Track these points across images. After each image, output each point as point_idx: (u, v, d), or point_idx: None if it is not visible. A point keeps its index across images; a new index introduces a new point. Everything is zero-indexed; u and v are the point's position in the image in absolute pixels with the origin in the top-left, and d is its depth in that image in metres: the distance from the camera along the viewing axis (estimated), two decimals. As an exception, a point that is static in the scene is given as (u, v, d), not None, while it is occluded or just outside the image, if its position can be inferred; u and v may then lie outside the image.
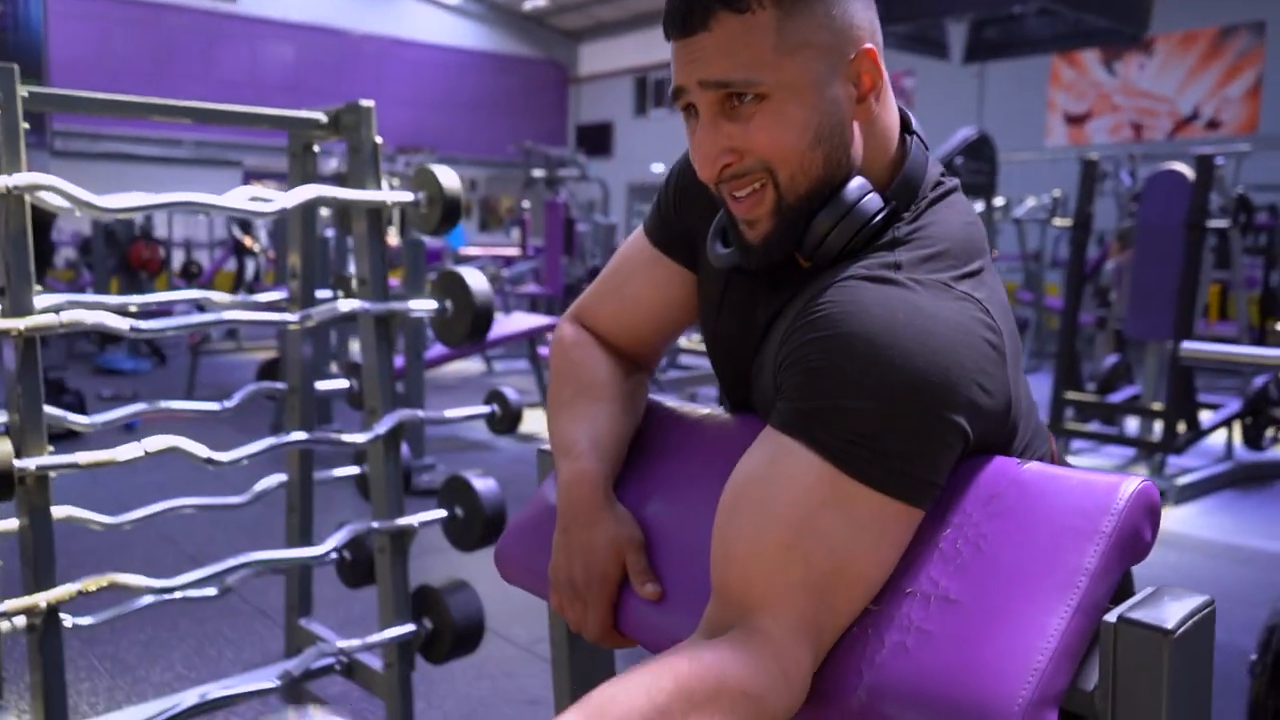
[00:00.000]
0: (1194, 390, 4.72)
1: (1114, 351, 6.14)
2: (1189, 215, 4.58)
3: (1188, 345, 2.25)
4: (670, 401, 1.12)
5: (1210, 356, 2.32)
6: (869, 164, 0.88)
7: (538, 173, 10.40)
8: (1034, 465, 0.80)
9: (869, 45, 0.85)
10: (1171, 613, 0.67)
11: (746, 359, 0.97)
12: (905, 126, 0.92)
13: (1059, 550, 0.72)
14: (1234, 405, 5.10)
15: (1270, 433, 5.12)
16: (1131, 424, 5.45)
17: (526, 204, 12.05)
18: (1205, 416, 5.06)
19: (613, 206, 11.27)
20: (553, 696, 1.16)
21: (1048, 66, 13.50)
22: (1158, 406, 4.83)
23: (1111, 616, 0.69)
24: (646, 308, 1.09)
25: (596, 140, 20.75)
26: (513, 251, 11.87)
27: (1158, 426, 4.98)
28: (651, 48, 20.17)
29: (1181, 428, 4.70)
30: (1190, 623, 0.67)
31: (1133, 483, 0.74)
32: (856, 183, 0.86)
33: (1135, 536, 0.73)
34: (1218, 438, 5.39)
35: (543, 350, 6.15)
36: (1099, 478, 0.76)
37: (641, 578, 0.93)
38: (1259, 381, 4.84)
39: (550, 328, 6.11)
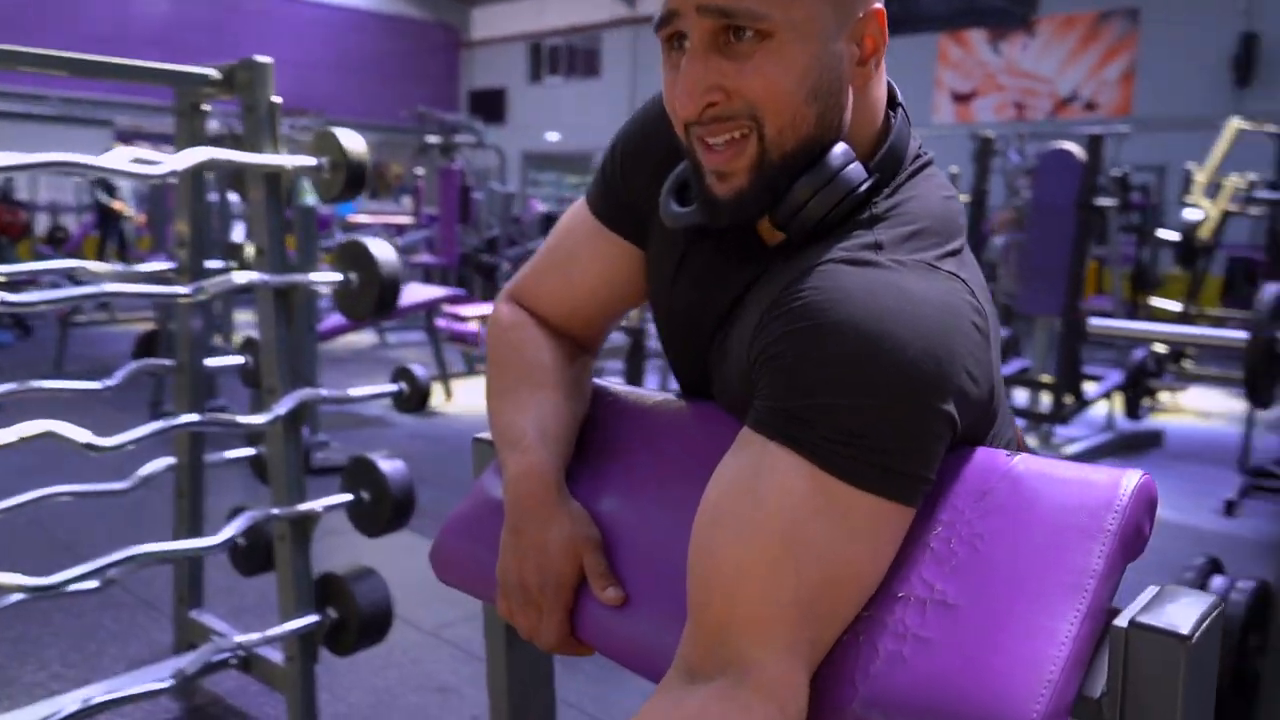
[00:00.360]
0: (1080, 363, 4.88)
1: (1001, 326, 6.32)
2: (1080, 194, 4.71)
3: (1097, 322, 2.29)
4: (617, 386, 1.04)
5: (1117, 333, 2.37)
6: (854, 133, 0.81)
7: (432, 139, 10.10)
8: (1023, 458, 0.75)
9: (878, 5, 0.79)
10: (1185, 616, 0.64)
11: (704, 341, 0.90)
12: (891, 99, 0.86)
13: (1062, 550, 0.68)
14: (1115, 377, 5.31)
15: (1147, 403, 5.34)
16: (1019, 395, 5.62)
17: (420, 171, 11.72)
18: (1088, 388, 5.25)
19: (508, 175, 11.04)
20: (466, 687, 1.09)
21: (935, 45, 13.79)
22: (1047, 379, 4.98)
23: (1123, 621, 0.65)
24: (591, 286, 1.00)
25: (490, 107, 20.34)
26: (405, 220, 11.55)
27: (1045, 398, 5.14)
28: (546, 13, 19.85)
29: (1068, 399, 4.87)
30: (1204, 626, 0.64)
31: (1133, 476, 0.70)
32: (840, 149, 0.78)
33: (1137, 533, 0.69)
34: (1099, 408, 5.61)
35: (440, 322, 5.98)
36: (1097, 472, 0.72)
37: (601, 581, 0.86)
38: (1138, 354, 5.04)
39: (450, 299, 5.93)
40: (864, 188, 0.79)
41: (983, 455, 0.76)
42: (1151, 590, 0.68)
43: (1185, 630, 0.62)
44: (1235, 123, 6.06)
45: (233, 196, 6.01)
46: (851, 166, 0.78)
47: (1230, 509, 4.17)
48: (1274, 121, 6.86)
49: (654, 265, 0.96)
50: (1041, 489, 0.72)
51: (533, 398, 0.96)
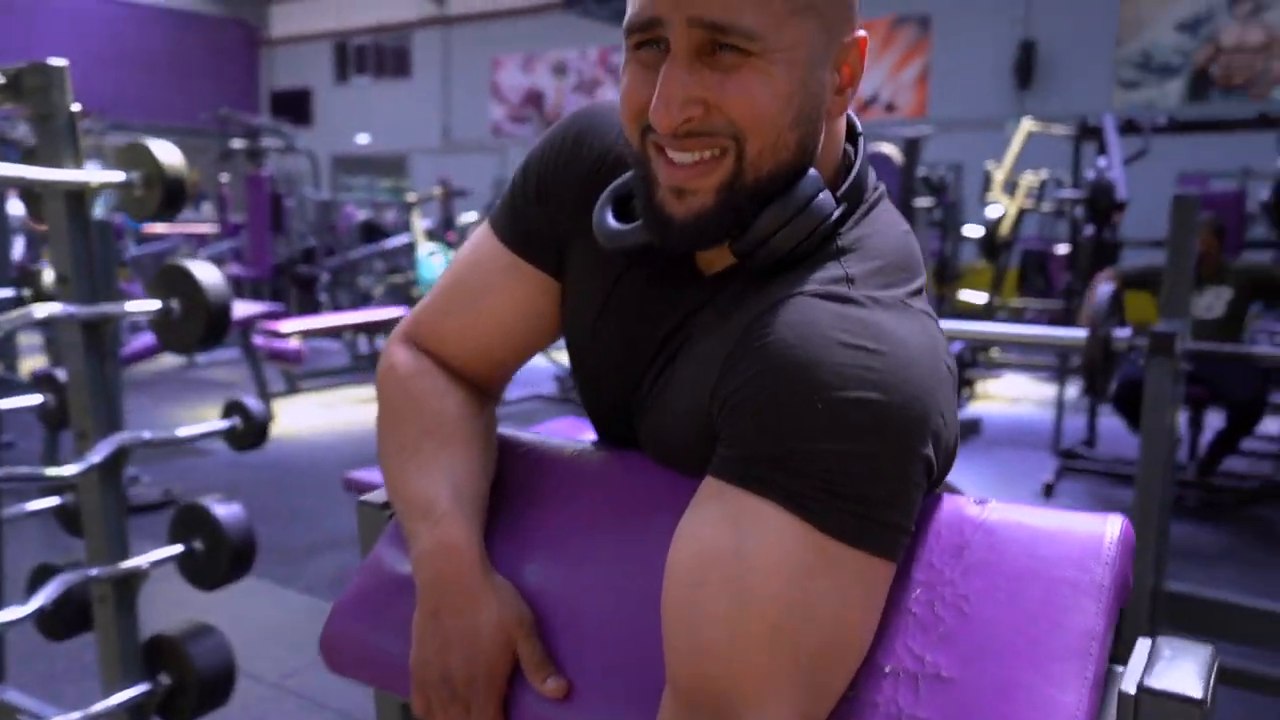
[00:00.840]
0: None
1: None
2: (900, 194, 4.90)
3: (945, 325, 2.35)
4: (527, 435, 0.94)
5: (963, 334, 2.44)
6: (821, 162, 0.75)
7: (237, 143, 9.50)
8: (994, 505, 0.71)
9: (862, 34, 0.74)
10: (1193, 676, 0.60)
11: (630, 382, 0.82)
12: (851, 129, 0.81)
13: (1059, 611, 0.63)
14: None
15: (966, 393, 5.63)
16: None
17: (225, 177, 11.03)
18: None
19: (318, 180, 10.54)
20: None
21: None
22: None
23: (1130, 686, 0.61)
24: (505, 325, 0.89)
25: (294, 108, 19.43)
26: (207, 229, 10.83)
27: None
28: (350, 10, 19.14)
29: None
30: (1211, 683, 0.60)
31: (1115, 522, 0.67)
32: (812, 176, 0.73)
33: (1125, 583, 0.66)
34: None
35: (258, 339, 5.61)
36: (1074, 519, 0.68)
37: (540, 671, 0.75)
38: (955, 346, 5.30)
39: (269, 314, 5.57)
40: (833, 218, 0.73)
41: (950, 505, 0.71)
42: (1145, 644, 0.65)
43: (1199, 695, 0.59)
44: (1027, 124, 6.47)
45: (12, 209, 5.41)
46: (823, 196, 0.73)
47: (1048, 491, 4.43)
48: (1056, 121, 7.39)
49: (574, 297, 0.87)
50: (1022, 540, 0.67)
51: (440, 456, 0.84)
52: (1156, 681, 0.60)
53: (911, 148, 4.87)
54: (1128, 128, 5.06)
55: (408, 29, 18.41)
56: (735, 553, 0.63)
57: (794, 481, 0.63)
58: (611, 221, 0.79)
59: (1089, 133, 5.15)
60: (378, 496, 0.97)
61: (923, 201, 5.21)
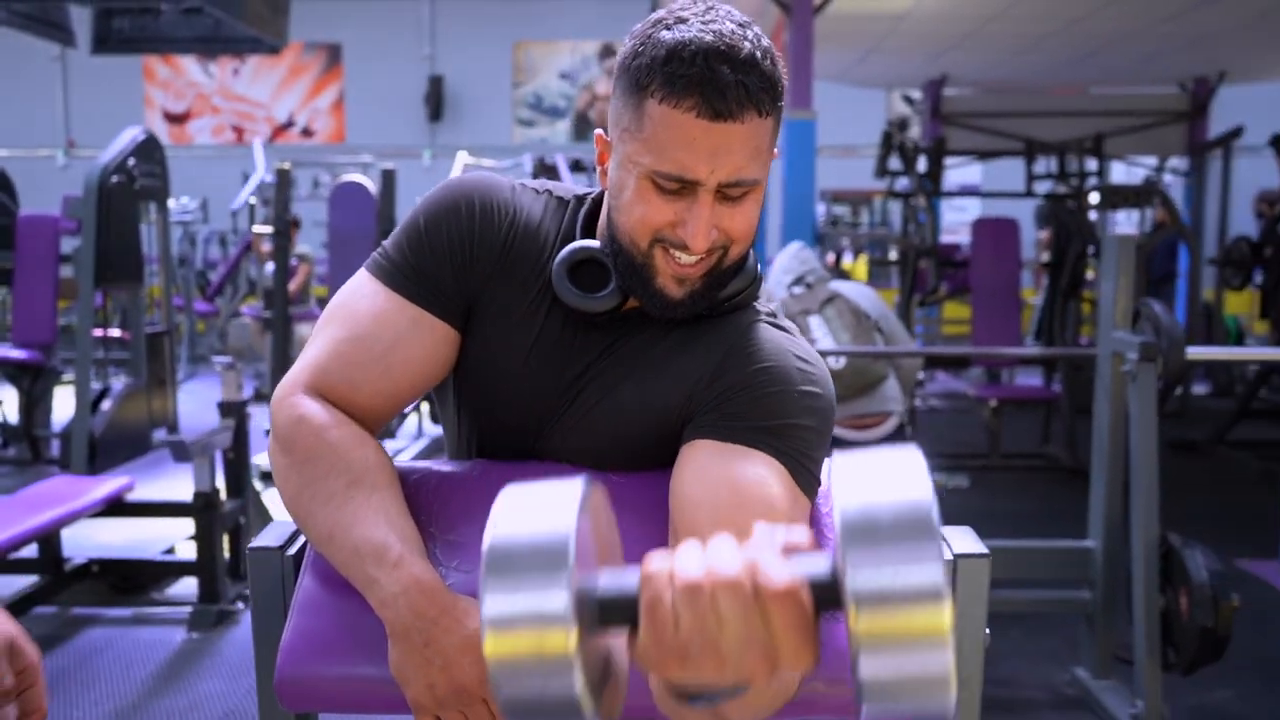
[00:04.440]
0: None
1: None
2: (379, 223, 5.12)
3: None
4: (416, 463, 1.05)
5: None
6: None
7: None
8: (837, 454, 1.04)
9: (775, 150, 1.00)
10: (973, 541, 0.99)
11: (554, 397, 1.02)
12: None
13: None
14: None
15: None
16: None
17: None
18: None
19: None
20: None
21: (140, 63, 13.07)
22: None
23: (947, 555, 0.97)
24: (414, 375, 1.01)
25: None
26: None
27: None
28: None
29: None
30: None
31: (913, 451, 1.04)
32: (751, 254, 1.02)
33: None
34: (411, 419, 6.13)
35: None
36: (886, 453, 1.04)
37: None
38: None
39: None
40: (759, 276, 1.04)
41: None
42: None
43: (986, 550, 0.98)
44: (463, 156, 7.03)
45: None
46: (756, 264, 1.03)
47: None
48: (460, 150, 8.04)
49: (500, 338, 1.03)
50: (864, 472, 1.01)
51: (372, 501, 0.94)
52: (960, 549, 0.98)
53: (388, 179, 5.11)
54: (575, 166, 5.89)
55: None
56: (760, 483, 0.91)
57: (780, 443, 0.93)
58: (575, 291, 1.00)
59: (546, 170, 5.88)
60: (270, 540, 1.00)
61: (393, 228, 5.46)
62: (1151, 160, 8.43)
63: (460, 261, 1.02)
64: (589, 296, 0.99)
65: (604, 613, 0.59)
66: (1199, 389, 7.82)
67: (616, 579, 0.60)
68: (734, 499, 0.90)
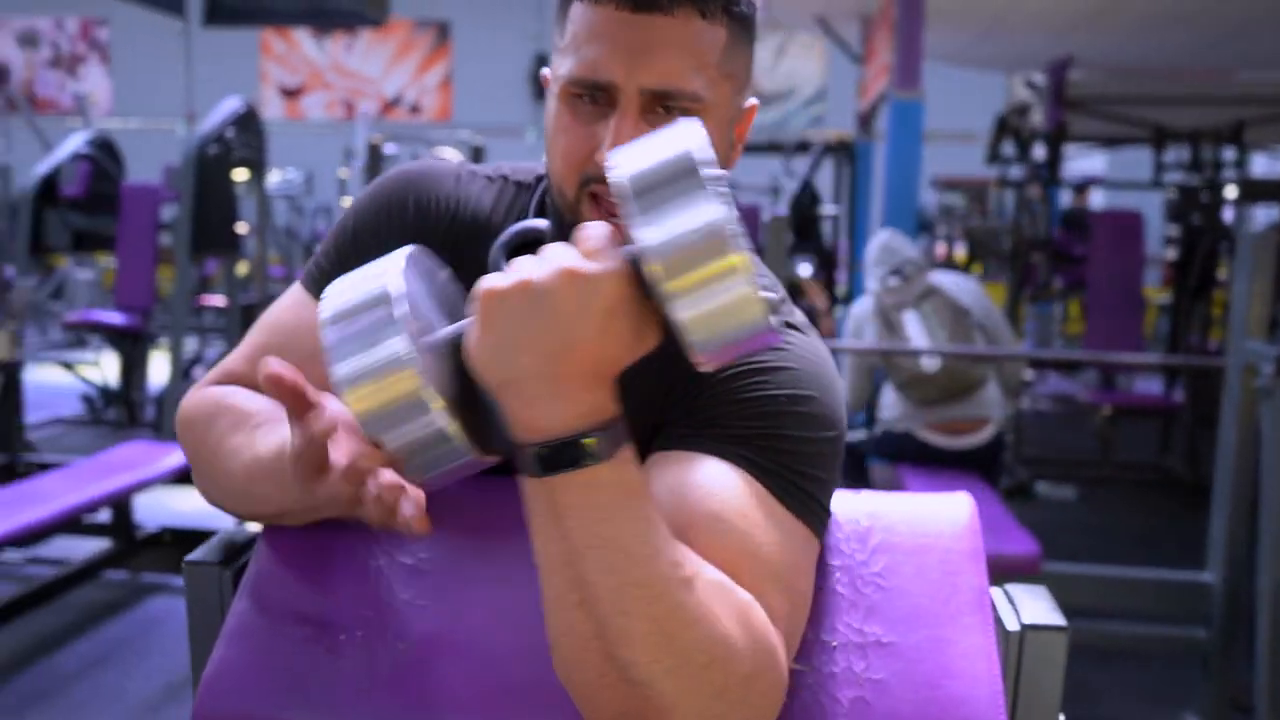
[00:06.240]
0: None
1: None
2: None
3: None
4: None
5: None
6: None
7: None
8: (866, 493, 0.85)
9: (754, 101, 0.83)
10: (1053, 610, 0.79)
11: None
12: None
13: (954, 575, 0.78)
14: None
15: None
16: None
17: None
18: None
19: None
20: None
21: (258, 38, 13.40)
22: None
23: (1015, 626, 0.78)
24: None
25: None
26: None
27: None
28: None
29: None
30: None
31: (964, 500, 0.84)
32: None
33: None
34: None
35: None
36: (934, 501, 0.84)
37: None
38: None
39: None
40: None
41: (839, 497, 0.84)
42: (998, 592, 0.82)
43: (1064, 622, 0.77)
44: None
45: None
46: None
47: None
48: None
49: None
50: (908, 522, 0.82)
51: (269, 430, 0.78)
52: (1030, 619, 0.78)
53: (476, 155, 5.03)
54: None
55: None
56: (706, 493, 0.72)
57: (758, 456, 0.74)
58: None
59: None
60: (208, 554, 0.87)
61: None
62: (1297, 152, 7.79)
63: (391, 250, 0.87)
64: None
65: (456, 348, 0.65)
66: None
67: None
68: (675, 509, 0.70)
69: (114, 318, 5.48)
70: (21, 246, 5.30)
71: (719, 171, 0.62)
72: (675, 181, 0.60)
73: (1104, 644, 2.52)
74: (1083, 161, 9.55)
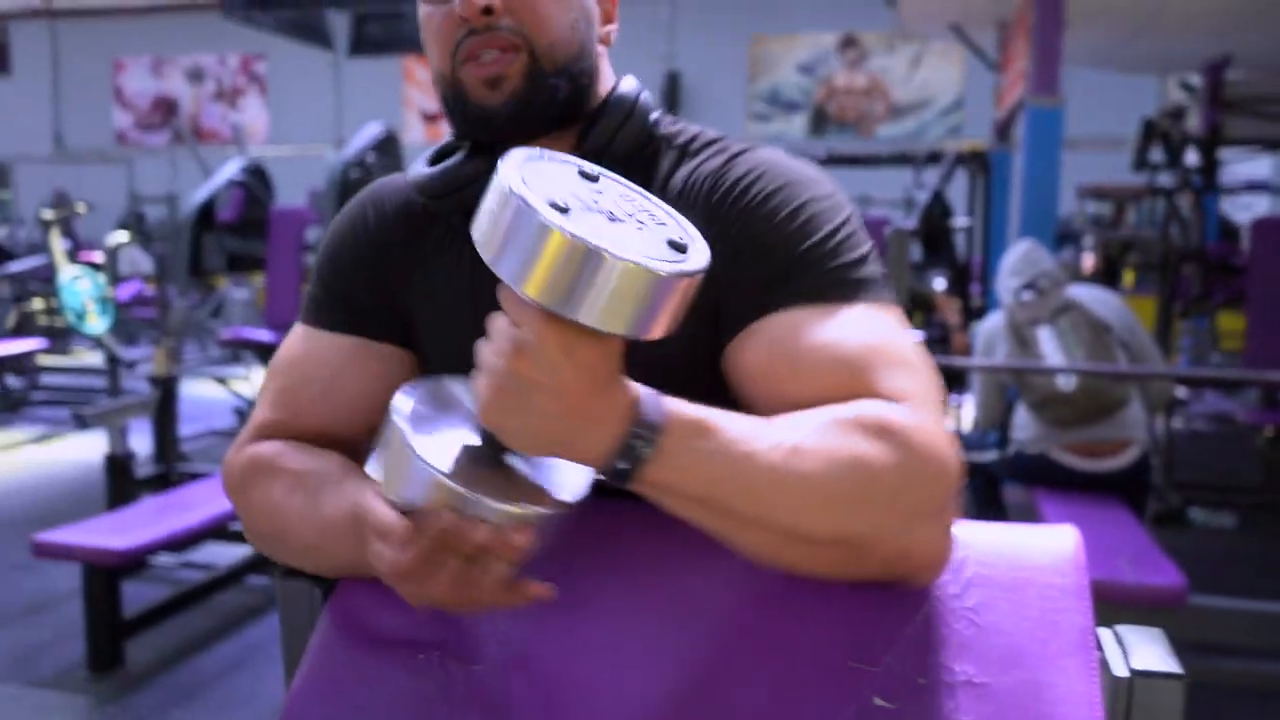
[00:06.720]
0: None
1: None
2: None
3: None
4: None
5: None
6: (601, 86, 0.89)
7: None
8: (964, 524, 0.80)
9: None
10: (1167, 655, 0.72)
11: None
12: None
13: (1054, 613, 0.73)
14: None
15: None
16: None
17: None
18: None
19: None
20: None
21: (400, 65, 13.95)
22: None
23: (1121, 670, 0.72)
24: (364, 400, 0.89)
25: None
26: None
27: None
28: (-73, -5, 16.43)
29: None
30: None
31: (1070, 532, 0.78)
32: (630, 81, 0.88)
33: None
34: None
35: None
36: (1036, 533, 0.79)
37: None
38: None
39: None
40: (656, 115, 0.88)
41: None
42: (1107, 633, 0.76)
43: (1180, 669, 0.71)
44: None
45: None
46: (644, 94, 0.87)
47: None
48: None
49: (440, 324, 0.90)
50: (1006, 555, 0.77)
51: (344, 485, 0.81)
52: (1140, 664, 0.72)
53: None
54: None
55: (5, 20, 16.14)
56: (822, 318, 0.76)
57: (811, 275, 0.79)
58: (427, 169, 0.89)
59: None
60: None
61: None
62: None
63: (370, 275, 0.92)
64: (430, 174, 0.88)
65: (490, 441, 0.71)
66: None
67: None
68: (769, 374, 0.76)
69: (263, 335, 5.76)
70: (181, 268, 5.66)
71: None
72: (504, 214, 0.63)
73: (1259, 684, 2.33)
74: (1243, 166, 8.94)
